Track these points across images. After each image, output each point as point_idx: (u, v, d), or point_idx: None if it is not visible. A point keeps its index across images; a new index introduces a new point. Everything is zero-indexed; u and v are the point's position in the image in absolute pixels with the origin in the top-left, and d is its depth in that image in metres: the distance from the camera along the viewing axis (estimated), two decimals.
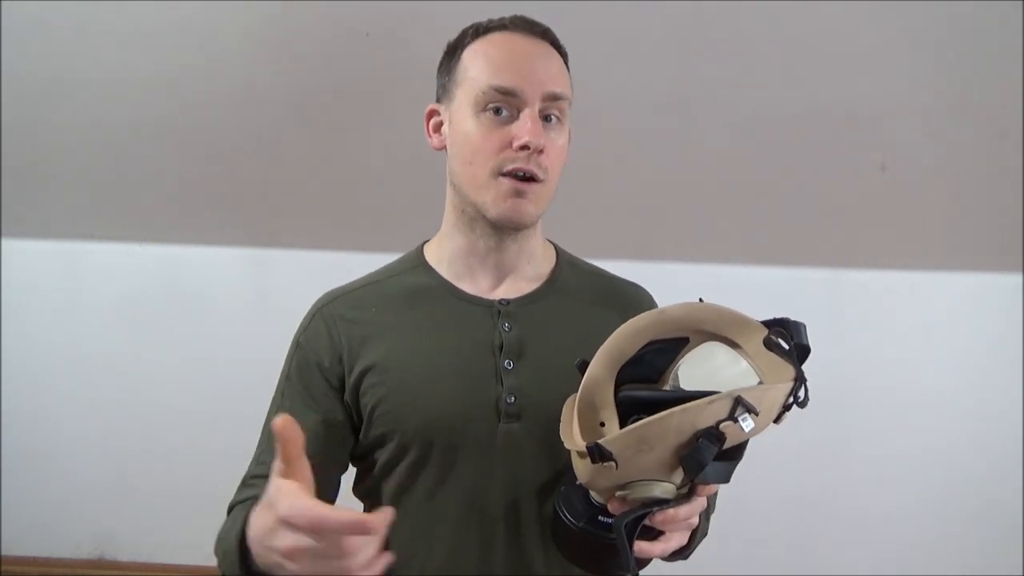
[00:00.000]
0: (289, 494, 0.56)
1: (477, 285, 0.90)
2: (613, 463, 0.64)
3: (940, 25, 1.59)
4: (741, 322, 0.74)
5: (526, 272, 0.91)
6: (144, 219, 2.04)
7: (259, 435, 0.89)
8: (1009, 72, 1.63)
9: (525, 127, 0.80)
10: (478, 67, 0.83)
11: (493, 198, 0.83)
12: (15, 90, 1.78)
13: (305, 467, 0.59)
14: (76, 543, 2.11)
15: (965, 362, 1.99)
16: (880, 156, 1.80)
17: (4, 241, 2.10)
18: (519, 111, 0.82)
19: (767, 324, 0.73)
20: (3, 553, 2.10)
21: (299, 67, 1.74)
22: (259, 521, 0.61)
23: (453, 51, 0.88)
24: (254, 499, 0.66)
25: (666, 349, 0.77)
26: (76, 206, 2.02)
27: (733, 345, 0.74)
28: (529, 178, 0.82)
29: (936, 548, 1.98)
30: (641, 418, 0.65)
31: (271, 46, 1.71)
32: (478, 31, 0.86)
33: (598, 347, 0.75)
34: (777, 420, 0.69)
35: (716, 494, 0.84)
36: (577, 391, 0.74)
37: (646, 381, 0.76)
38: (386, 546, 0.59)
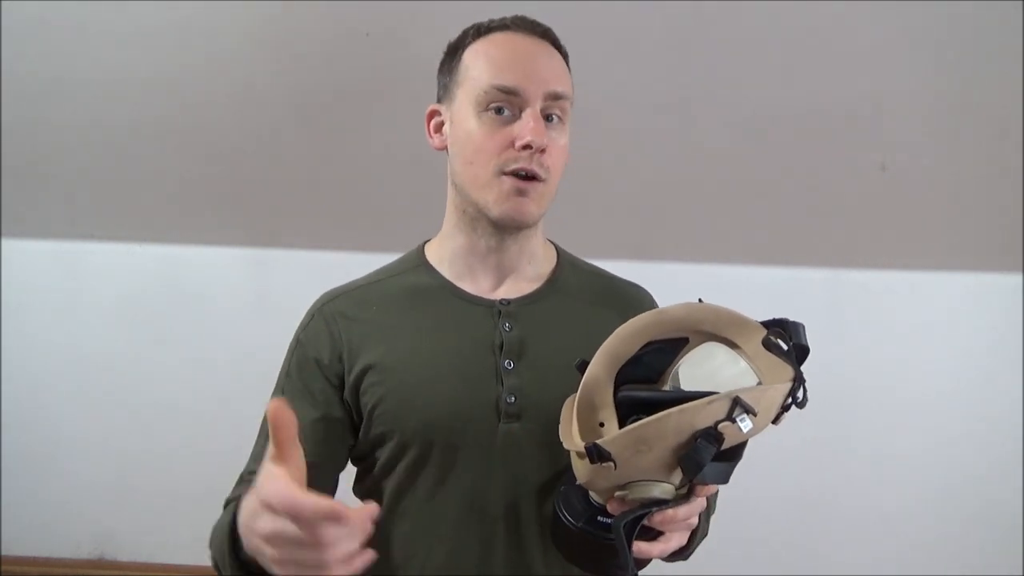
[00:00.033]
0: (274, 478, 0.56)
1: (478, 285, 0.90)
2: (612, 463, 0.65)
3: (940, 25, 1.59)
4: (740, 322, 0.75)
5: (527, 272, 0.91)
6: (144, 219, 2.04)
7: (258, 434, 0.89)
8: (1009, 72, 1.63)
9: (527, 126, 0.80)
10: (480, 67, 0.83)
11: (495, 197, 0.83)
12: (15, 90, 1.78)
13: (297, 453, 0.58)
14: (76, 543, 2.12)
15: (965, 362, 1.99)
16: (880, 156, 1.80)
17: (4, 241, 2.10)
18: (521, 111, 0.82)
19: (766, 324, 0.73)
20: (3, 553, 2.10)
21: (299, 67, 1.74)
22: (247, 505, 0.62)
23: (454, 51, 0.88)
24: None
25: (665, 349, 0.77)
26: (76, 206, 2.02)
27: (732, 345, 0.74)
28: (531, 177, 0.82)
29: (936, 548, 1.98)
30: (640, 418, 0.65)
31: (271, 46, 1.71)
32: (479, 31, 0.86)
33: (598, 347, 0.76)
34: (776, 421, 0.69)
35: (716, 495, 0.84)
36: (577, 391, 0.74)
37: (646, 381, 0.76)
38: (379, 546, 0.59)
